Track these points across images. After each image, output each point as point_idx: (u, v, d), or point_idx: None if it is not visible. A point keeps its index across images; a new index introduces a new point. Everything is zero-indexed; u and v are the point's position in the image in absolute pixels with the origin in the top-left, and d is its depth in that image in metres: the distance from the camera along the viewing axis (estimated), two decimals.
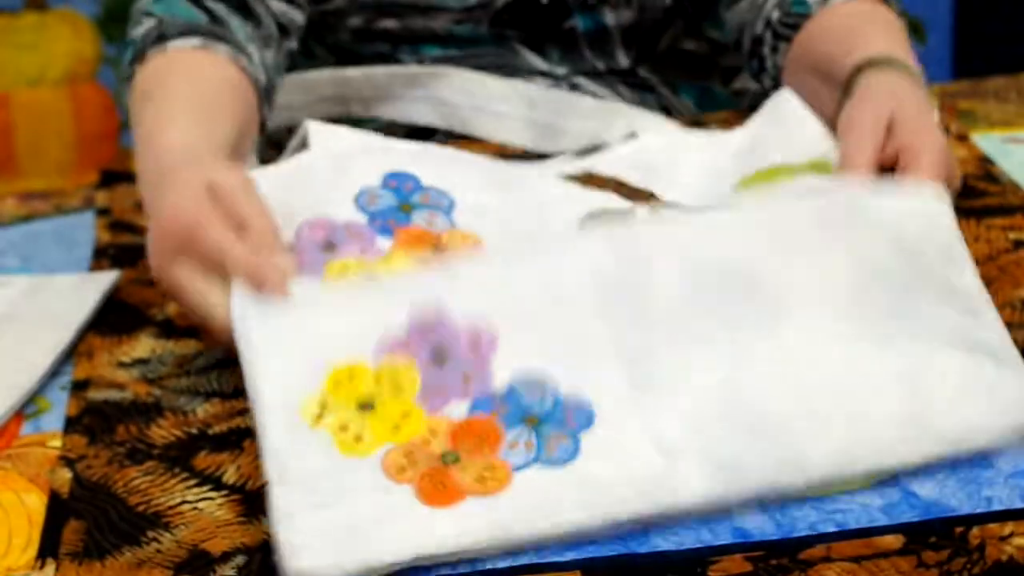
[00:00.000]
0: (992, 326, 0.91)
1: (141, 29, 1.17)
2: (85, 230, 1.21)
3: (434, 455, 0.84)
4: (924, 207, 0.95)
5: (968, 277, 0.92)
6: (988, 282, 1.05)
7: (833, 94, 1.13)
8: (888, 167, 1.02)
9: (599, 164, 1.11)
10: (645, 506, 0.82)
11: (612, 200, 1.07)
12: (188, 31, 1.15)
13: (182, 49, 1.14)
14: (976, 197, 1.17)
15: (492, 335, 0.89)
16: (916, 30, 2.69)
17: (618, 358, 0.88)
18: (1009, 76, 1.43)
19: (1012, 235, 1.12)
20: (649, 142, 1.14)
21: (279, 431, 0.85)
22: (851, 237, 0.93)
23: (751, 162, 1.08)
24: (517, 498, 0.82)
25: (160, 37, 1.15)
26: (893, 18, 1.20)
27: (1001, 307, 1.02)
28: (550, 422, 0.85)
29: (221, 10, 1.18)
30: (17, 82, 2.59)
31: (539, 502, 0.82)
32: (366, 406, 0.86)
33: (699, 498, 0.82)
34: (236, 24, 1.18)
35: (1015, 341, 0.98)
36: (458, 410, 0.86)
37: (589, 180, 1.09)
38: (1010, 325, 1.00)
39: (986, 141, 1.28)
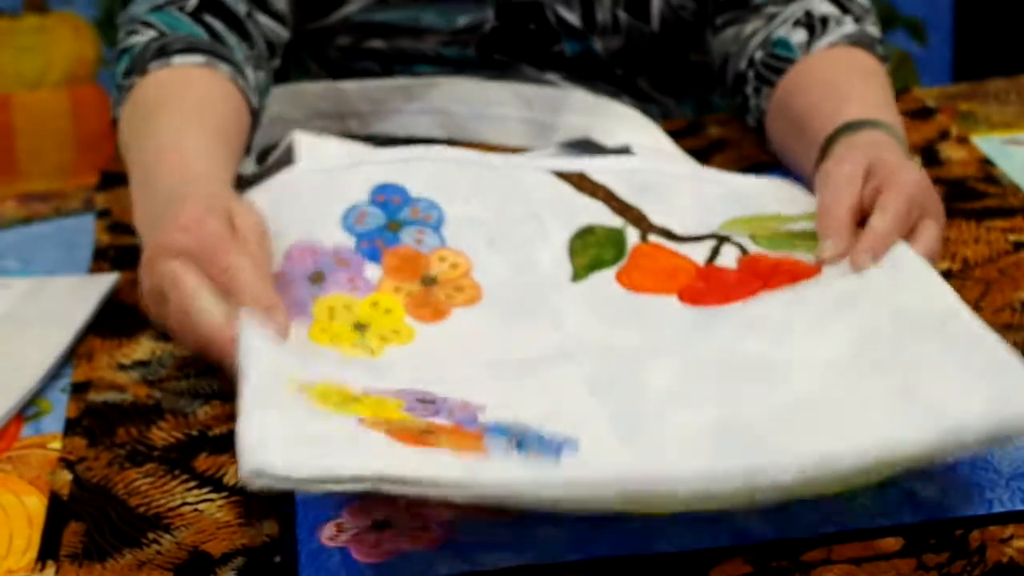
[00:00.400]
0: (995, 345, 0.86)
1: (140, 38, 1.16)
2: (85, 232, 1.22)
3: (412, 428, 0.82)
4: (917, 279, 0.94)
5: (967, 322, 0.89)
6: (988, 284, 1.05)
7: (809, 151, 1.13)
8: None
9: (593, 169, 1.11)
10: (632, 485, 0.76)
11: (603, 213, 1.07)
12: (191, 47, 1.15)
13: (187, 65, 1.14)
14: (976, 199, 1.18)
15: (481, 404, 0.89)
16: (916, 31, 2.69)
17: (607, 417, 0.87)
18: (1009, 78, 1.43)
19: (1012, 237, 1.12)
20: (645, 163, 1.13)
21: (259, 381, 0.83)
22: (849, 318, 0.92)
23: (744, 207, 1.08)
24: (493, 461, 0.79)
25: (162, 50, 1.14)
26: (877, 67, 1.20)
27: (1001, 309, 1.03)
28: (533, 444, 0.84)
29: (220, 27, 1.18)
30: (17, 84, 2.59)
31: (516, 468, 0.79)
32: (348, 402, 0.85)
33: (689, 473, 0.77)
34: (234, 43, 1.18)
35: (1015, 343, 0.99)
36: (443, 421, 0.86)
37: (581, 183, 1.09)
38: (1009, 327, 1.00)
39: (986, 143, 1.28)
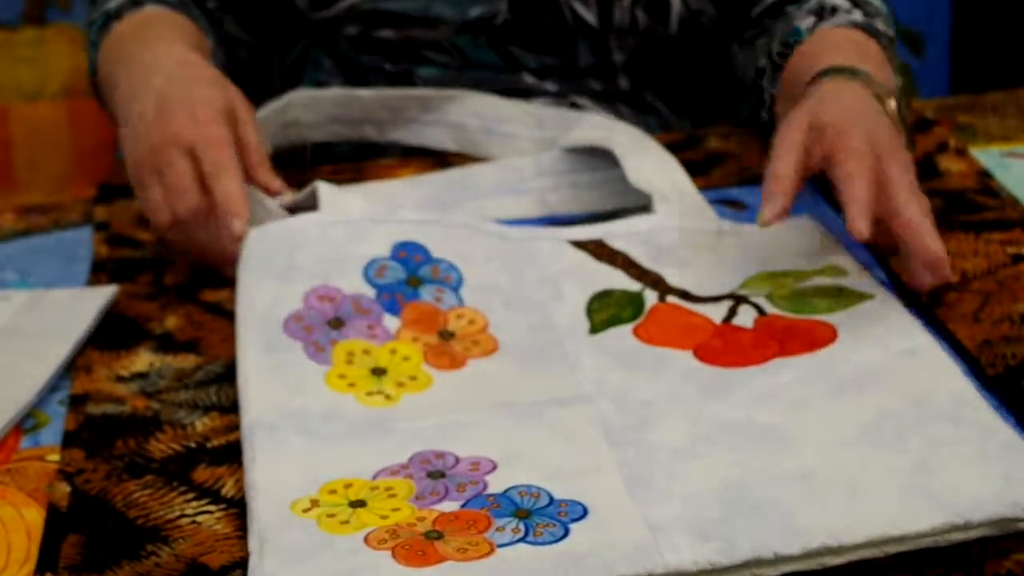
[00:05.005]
0: (1006, 432, 0.88)
1: (114, 3, 1.26)
2: (83, 245, 1.21)
3: (417, 532, 0.83)
4: (932, 364, 0.95)
5: (982, 411, 0.90)
6: (986, 296, 1.05)
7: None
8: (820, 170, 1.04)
9: (611, 235, 1.12)
10: (631, 570, 0.79)
11: (621, 279, 1.07)
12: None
13: (160, 8, 1.26)
14: (975, 211, 1.18)
15: (493, 462, 0.89)
16: (914, 43, 2.69)
17: (619, 474, 0.87)
18: (1007, 91, 1.43)
19: (1011, 249, 1.12)
20: (663, 220, 1.13)
21: (266, 517, 0.84)
22: (864, 398, 0.92)
23: (763, 262, 1.09)
24: (499, 564, 0.80)
25: (136, 2, 1.25)
26: (872, 45, 1.21)
27: (999, 321, 1.03)
28: (542, 515, 0.84)
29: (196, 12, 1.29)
30: (15, 96, 2.59)
31: (522, 568, 0.80)
32: (357, 503, 0.86)
33: (689, 564, 0.79)
34: (197, 13, 1.29)
35: (1013, 355, 0.99)
36: (450, 507, 0.86)
37: (599, 251, 1.10)
38: (1008, 339, 1.00)
39: (985, 156, 1.28)
